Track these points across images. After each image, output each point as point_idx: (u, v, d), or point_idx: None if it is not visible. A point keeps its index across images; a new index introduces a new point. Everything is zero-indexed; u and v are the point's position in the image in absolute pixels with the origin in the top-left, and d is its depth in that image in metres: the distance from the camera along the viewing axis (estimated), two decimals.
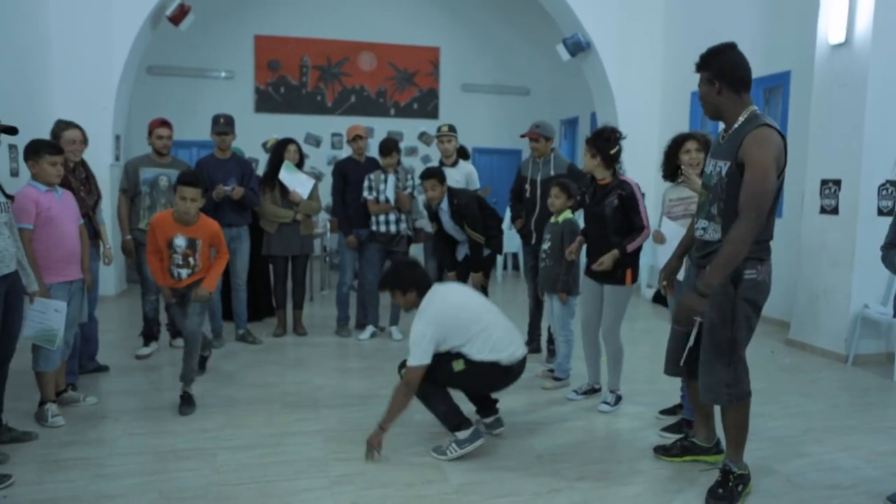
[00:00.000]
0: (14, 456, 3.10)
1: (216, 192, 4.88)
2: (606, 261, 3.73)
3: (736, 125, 2.63)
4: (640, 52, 8.08)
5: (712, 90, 2.65)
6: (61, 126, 4.18)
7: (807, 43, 5.66)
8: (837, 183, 5.13)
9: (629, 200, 3.74)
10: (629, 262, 3.80)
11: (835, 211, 5.17)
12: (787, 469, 3.11)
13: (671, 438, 3.47)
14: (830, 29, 5.15)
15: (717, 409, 3.05)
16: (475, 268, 4.91)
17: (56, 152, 3.51)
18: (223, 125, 5.12)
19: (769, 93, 6.62)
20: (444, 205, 4.89)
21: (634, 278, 3.87)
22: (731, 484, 2.79)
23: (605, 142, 3.75)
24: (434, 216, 5.04)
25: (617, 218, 3.75)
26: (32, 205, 3.40)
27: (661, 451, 3.28)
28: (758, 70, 6.83)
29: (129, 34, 6.99)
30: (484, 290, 4.95)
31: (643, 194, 3.83)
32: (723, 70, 2.62)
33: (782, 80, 6.33)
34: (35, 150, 3.47)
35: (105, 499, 2.76)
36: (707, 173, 2.76)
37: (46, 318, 3.37)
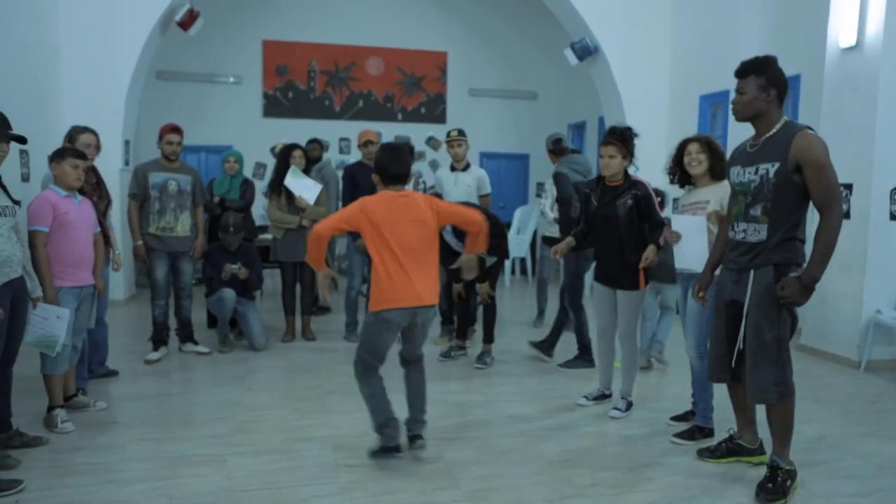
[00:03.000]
0: (25, 461, 3.10)
1: (224, 271, 5.11)
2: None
3: (772, 132, 2.82)
4: (647, 56, 8.06)
5: (762, 96, 2.82)
6: (77, 130, 4.23)
7: (816, 46, 5.63)
8: (849, 187, 5.09)
9: (645, 200, 3.74)
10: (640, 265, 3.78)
11: (846, 216, 5.13)
12: (801, 476, 3.07)
13: (683, 445, 3.45)
14: (841, 32, 5.11)
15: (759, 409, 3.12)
16: (480, 279, 4.82)
17: (79, 156, 3.55)
18: (232, 234, 5.18)
19: None
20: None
21: (646, 281, 3.85)
22: (779, 479, 2.86)
23: (631, 141, 3.77)
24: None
25: (630, 219, 3.73)
26: (49, 208, 3.43)
27: (707, 453, 3.30)
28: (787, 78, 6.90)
29: (139, 39, 7.02)
30: (492, 299, 4.93)
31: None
32: (778, 80, 2.83)
33: (791, 85, 6.25)
34: (60, 154, 3.55)
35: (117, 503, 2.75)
36: (742, 181, 2.89)
37: (48, 324, 3.37)
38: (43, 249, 3.40)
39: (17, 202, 3.18)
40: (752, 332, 2.82)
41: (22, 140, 3.14)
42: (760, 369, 2.81)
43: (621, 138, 3.75)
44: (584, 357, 4.90)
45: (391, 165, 3.13)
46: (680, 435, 3.54)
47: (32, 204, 3.47)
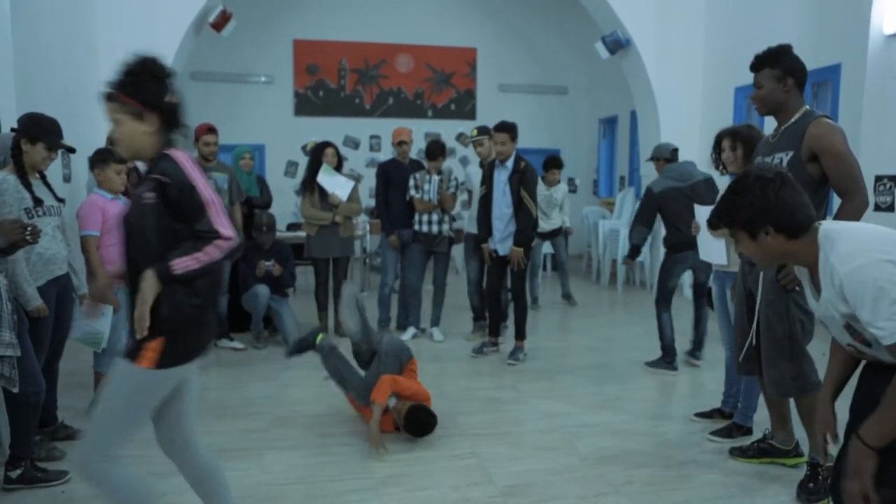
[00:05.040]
0: (70, 453, 3.18)
1: (258, 268, 5.23)
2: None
3: (792, 121, 2.75)
4: (680, 48, 7.92)
5: (779, 87, 2.75)
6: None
7: (858, 34, 5.47)
8: (893, 179, 4.94)
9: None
10: None
11: (890, 208, 4.98)
12: None
13: (719, 442, 3.40)
14: (885, 18, 4.97)
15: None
16: (519, 241, 4.82)
17: (121, 161, 3.62)
18: (265, 233, 5.29)
19: (818, 87, 6.41)
20: (510, 163, 4.85)
21: None
22: (821, 478, 2.78)
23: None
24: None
25: None
26: (99, 212, 3.52)
27: (738, 452, 3.24)
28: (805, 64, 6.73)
29: (174, 41, 7.14)
30: (522, 271, 4.89)
31: None
32: (794, 67, 2.76)
33: (832, 74, 6.13)
34: (101, 159, 3.61)
35: (158, 496, 2.81)
36: None
37: (91, 322, 3.46)
38: (96, 253, 3.51)
39: (61, 200, 3.27)
40: (763, 328, 2.81)
41: (72, 150, 3.24)
42: (776, 365, 2.78)
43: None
44: (665, 359, 4.71)
45: None
46: (717, 433, 3.49)
47: (82, 209, 3.57)
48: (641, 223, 4.70)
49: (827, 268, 1.78)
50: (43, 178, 3.17)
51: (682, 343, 4.85)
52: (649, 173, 8.28)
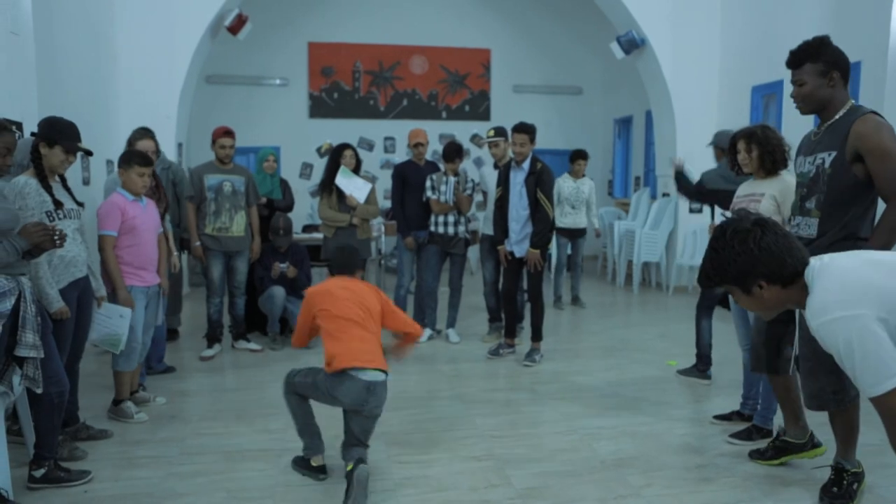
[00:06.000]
0: (91, 453, 3.22)
1: (273, 269, 5.26)
2: None
3: (836, 117, 2.60)
4: (696, 48, 7.87)
5: (823, 82, 2.60)
6: (137, 135, 4.36)
7: (879, 32, 5.40)
8: None
9: None
10: None
11: None
12: (869, 480, 2.95)
13: (739, 445, 3.37)
14: None
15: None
16: (536, 242, 4.81)
17: (145, 164, 3.66)
18: (282, 236, 5.33)
19: None
20: (526, 164, 4.83)
21: None
22: (845, 482, 2.72)
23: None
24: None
25: None
26: (118, 213, 3.56)
27: (757, 454, 3.19)
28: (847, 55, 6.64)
29: (191, 45, 7.21)
30: (538, 273, 4.88)
31: None
32: (837, 60, 2.60)
33: (852, 72, 6.02)
34: (126, 161, 3.66)
35: (177, 497, 2.84)
36: (802, 171, 2.73)
37: (112, 322, 3.50)
38: (111, 252, 3.54)
39: (81, 204, 3.31)
40: (805, 340, 2.64)
41: (89, 153, 3.28)
42: (816, 378, 2.63)
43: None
44: (699, 367, 4.48)
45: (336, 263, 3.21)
46: (736, 435, 3.45)
47: (102, 208, 3.62)
48: (690, 195, 4.52)
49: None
50: (63, 181, 3.21)
51: (722, 355, 4.74)
52: (664, 173, 8.25)
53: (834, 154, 2.55)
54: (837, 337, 1.71)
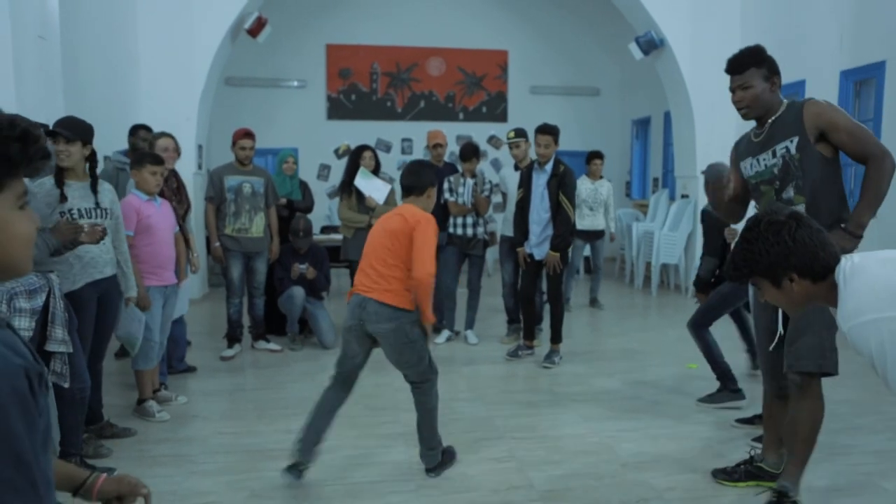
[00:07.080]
0: (115, 451, 3.26)
1: (293, 271, 5.27)
2: None
3: (778, 113, 2.71)
4: (716, 48, 7.69)
5: (768, 86, 2.71)
6: (155, 135, 4.39)
7: None
8: None
9: None
10: None
11: None
12: (868, 469, 2.91)
13: (761, 448, 3.32)
14: None
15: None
16: (557, 245, 4.79)
17: (157, 162, 3.68)
18: (302, 238, 5.32)
19: (860, 85, 6.25)
20: (549, 166, 4.83)
21: None
22: None
23: None
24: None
25: None
26: (134, 213, 3.59)
27: (722, 474, 3.01)
28: (846, 62, 6.55)
29: (211, 48, 7.28)
30: (558, 275, 4.86)
31: None
32: (775, 66, 2.73)
33: (875, 72, 5.98)
34: (137, 160, 3.68)
35: (200, 495, 2.86)
36: (760, 170, 2.77)
37: (132, 325, 3.55)
38: (128, 252, 3.56)
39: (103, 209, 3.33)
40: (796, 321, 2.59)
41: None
42: (815, 332, 2.54)
43: None
44: (728, 387, 4.09)
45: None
46: (758, 439, 3.40)
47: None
48: (709, 252, 4.21)
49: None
50: (94, 180, 3.19)
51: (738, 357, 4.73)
52: (683, 174, 8.19)
53: (797, 139, 2.61)
54: (870, 339, 1.68)
